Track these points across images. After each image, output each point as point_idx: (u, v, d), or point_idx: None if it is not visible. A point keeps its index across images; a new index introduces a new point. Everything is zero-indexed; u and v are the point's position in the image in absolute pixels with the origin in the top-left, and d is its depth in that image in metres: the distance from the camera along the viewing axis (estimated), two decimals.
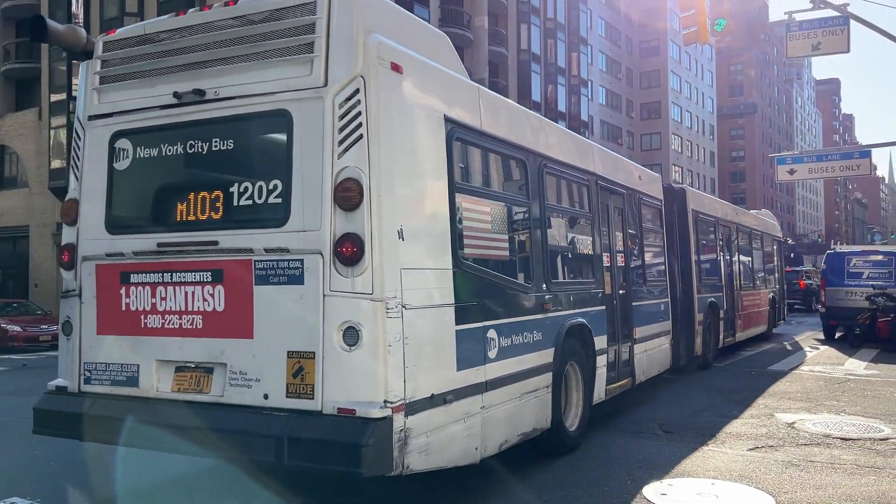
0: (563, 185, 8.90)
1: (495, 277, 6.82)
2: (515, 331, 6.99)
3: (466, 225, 6.38)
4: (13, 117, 39.75)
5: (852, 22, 19.88)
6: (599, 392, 9.08)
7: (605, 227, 9.90)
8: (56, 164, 36.31)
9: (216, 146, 5.82)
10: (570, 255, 8.99)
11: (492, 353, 6.53)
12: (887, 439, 8.82)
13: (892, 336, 19.01)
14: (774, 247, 23.46)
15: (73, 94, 35.72)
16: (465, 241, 6.33)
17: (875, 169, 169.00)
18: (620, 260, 10.45)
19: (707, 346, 15.24)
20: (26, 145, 38.50)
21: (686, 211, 14.65)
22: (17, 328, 25.27)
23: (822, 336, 22.67)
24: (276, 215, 5.44)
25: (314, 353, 5.24)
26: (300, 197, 5.36)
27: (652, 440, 8.84)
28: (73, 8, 35.20)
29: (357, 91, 5.29)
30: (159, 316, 5.90)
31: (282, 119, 5.50)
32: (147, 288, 5.97)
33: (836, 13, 19.96)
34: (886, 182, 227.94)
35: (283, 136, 5.51)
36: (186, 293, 5.79)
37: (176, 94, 5.93)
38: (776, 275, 23.51)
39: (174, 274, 5.85)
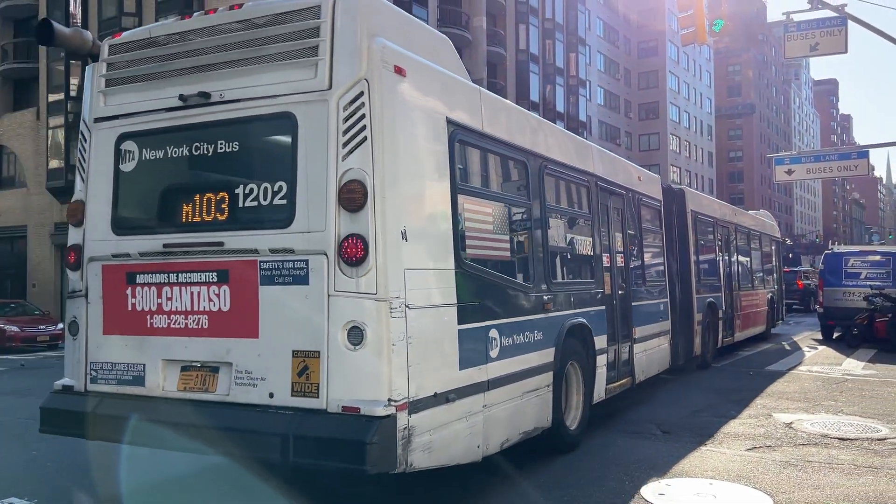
0: (563, 187, 8.97)
1: (497, 278, 6.90)
2: (517, 330, 7.06)
3: (468, 226, 6.45)
4: (11, 117, 39.70)
5: (850, 22, 19.95)
6: (599, 391, 9.15)
7: (604, 228, 9.97)
8: (54, 164, 36.28)
9: (221, 148, 5.89)
10: (570, 256, 9.06)
11: (493, 353, 6.60)
12: (885, 439, 8.86)
13: (889, 336, 19.06)
14: (773, 247, 23.52)
15: (71, 94, 35.76)
16: (467, 242, 6.40)
17: (873, 169, 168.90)
18: (620, 260, 10.52)
19: (706, 346, 15.31)
20: (24, 145, 38.46)
21: (685, 211, 14.73)
22: (15, 328, 25.33)
23: (819, 336, 22.74)
24: (281, 216, 5.51)
25: (319, 352, 5.31)
26: (305, 198, 5.43)
27: (650, 440, 8.88)
28: (71, 8, 35.16)
29: (361, 94, 5.37)
30: (165, 316, 5.97)
31: (286, 121, 5.57)
32: (153, 288, 6.03)
33: (833, 14, 20.04)
34: (884, 182, 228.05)
35: (287, 139, 5.57)
36: (192, 293, 5.86)
37: (181, 97, 5.99)
38: (774, 275, 23.58)
39: (180, 274, 5.92)
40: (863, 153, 24.13)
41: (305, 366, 5.35)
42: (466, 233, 6.40)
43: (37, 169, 37.55)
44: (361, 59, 5.41)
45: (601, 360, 9.19)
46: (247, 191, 5.73)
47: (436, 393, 5.69)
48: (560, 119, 53.39)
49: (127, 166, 6.35)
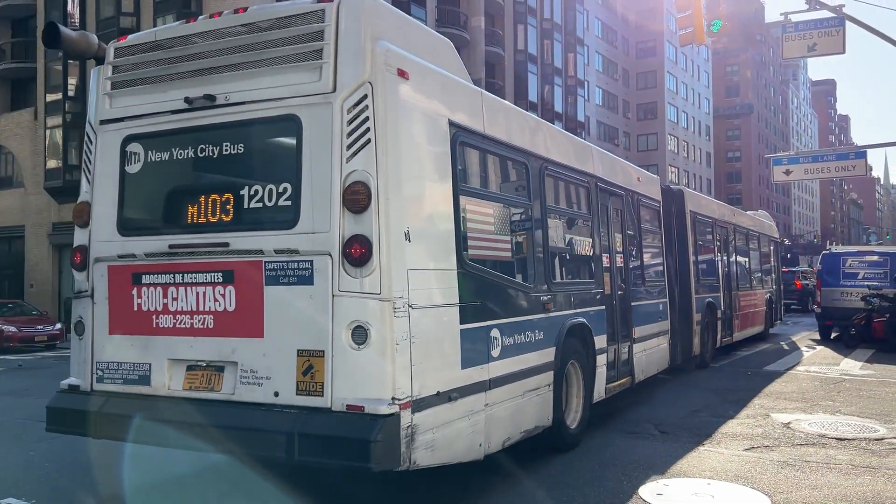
0: (563, 188, 9.04)
1: (498, 278, 6.97)
2: (518, 330, 7.13)
3: (470, 226, 6.52)
4: (9, 117, 39.67)
5: (848, 23, 20.01)
6: (599, 391, 9.22)
7: (604, 229, 10.04)
8: (52, 164, 36.30)
9: (227, 150, 5.95)
10: (570, 256, 9.13)
11: (495, 352, 6.67)
12: (882, 439, 8.88)
13: (887, 336, 19.11)
14: (771, 247, 23.59)
15: (69, 94, 35.79)
16: (469, 243, 6.47)
17: (870, 170, 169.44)
18: (620, 260, 10.59)
19: (705, 346, 15.39)
20: (22, 145, 38.45)
21: (684, 212, 14.80)
22: (13, 328, 25.40)
23: (817, 336, 22.78)
24: (286, 217, 5.58)
25: (323, 351, 5.37)
26: (309, 199, 5.49)
27: (648, 440, 8.91)
28: (69, 8, 35.35)
29: (365, 97, 5.44)
30: (171, 316, 6.03)
31: (291, 124, 5.63)
32: (159, 288, 6.10)
33: (831, 14, 20.10)
34: (882, 183, 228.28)
35: (292, 141, 5.64)
36: (198, 293, 5.92)
37: (187, 100, 6.05)
38: (773, 275, 23.64)
39: (185, 275, 5.98)
40: (860, 153, 24.23)
41: (310, 365, 5.41)
42: (468, 233, 6.47)
43: (34, 169, 37.56)
44: (365, 63, 5.48)
45: (601, 360, 9.26)
46: (252, 192, 5.80)
47: (438, 392, 5.75)
48: (558, 119, 53.42)
49: (132, 168, 6.41)
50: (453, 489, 6.90)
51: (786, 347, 20.39)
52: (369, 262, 5.29)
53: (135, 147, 6.39)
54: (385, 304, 5.31)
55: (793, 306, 36.01)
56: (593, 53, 74.59)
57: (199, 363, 5.94)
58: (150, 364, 6.12)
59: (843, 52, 20.14)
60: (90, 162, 6.66)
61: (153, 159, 6.33)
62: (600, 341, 9.24)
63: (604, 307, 9.54)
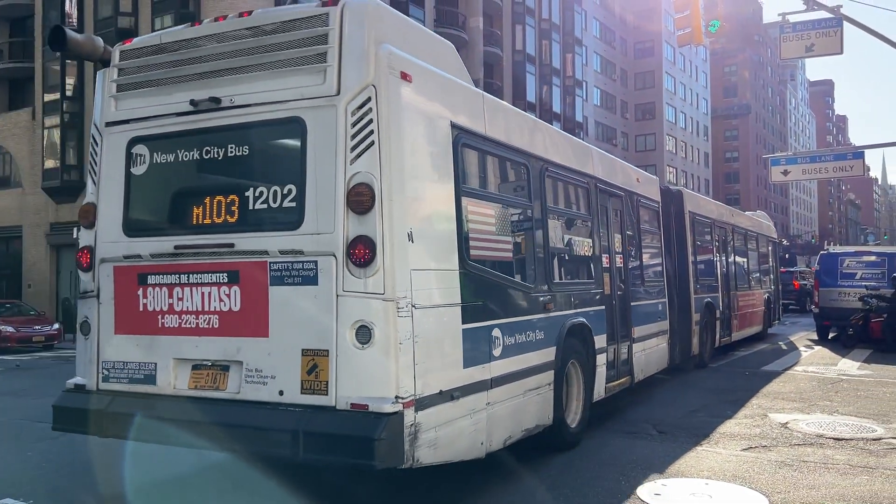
0: (563, 189, 9.11)
1: (499, 278, 7.03)
2: (519, 330, 7.20)
3: (472, 227, 6.58)
4: (6, 117, 39.66)
5: (845, 23, 20.03)
6: (599, 390, 9.28)
7: (604, 229, 10.11)
8: (49, 164, 36.30)
9: (232, 152, 6.02)
10: (570, 257, 9.19)
11: (496, 352, 6.73)
12: (880, 439, 8.90)
13: (884, 336, 19.14)
14: (769, 248, 23.66)
15: (67, 94, 35.78)
16: (471, 243, 6.53)
17: (868, 170, 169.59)
18: (619, 261, 10.66)
19: (703, 346, 15.44)
20: (20, 145, 38.44)
21: (683, 213, 14.87)
22: (10, 329, 25.41)
23: (815, 336, 22.81)
24: (291, 218, 5.65)
25: (328, 350, 5.44)
26: (314, 201, 5.56)
27: (646, 440, 8.93)
28: (67, 7, 35.33)
29: (369, 99, 5.50)
30: (176, 316, 6.09)
31: (296, 126, 5.70)
32: (164, 289, 6.16)
33: (829, 15, 20.10)
34: (879, 183, 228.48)
35: (296, 143, 5.71)
36: (203, 294, 5.98)
37: (192, 102, 6.12)
38: (771, 275, 23.71)
39: (191, 275, 6.04)
40: (858, 154, 24.26)
41: (315, 364, 5.48)
42: (470, 234, 6.53)
43: (32, 169, 37.55)
44: (369, 66, 5.54)
45: (601, 360, 9.33)
46: (257, 193, 5.86)
47: (441, 391, 5.82)
48: (556, 120, 53.48)
49: (138, 169, 6.47)
50: (453, 488, 6.94)
51: (784, 347, 20.45)
52: (373, 262, 5.36)
53: (140, 149, 6.46)
54: (388, 304, 5.38)
55: (791, 306, 36.07)
56: (591, 54, 74.65)
57: (204, 362, 6.00)
58: (155, 363, 6.18)
59: (841, 52, 20.16)
60: (96, 164, 6.72)
61: (158, 161, 6.39)
62: (600, 341, 9.31)
63: (603, 307, 9.61)
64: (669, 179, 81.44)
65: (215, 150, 6.08)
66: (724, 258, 17.67)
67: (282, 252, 5.65)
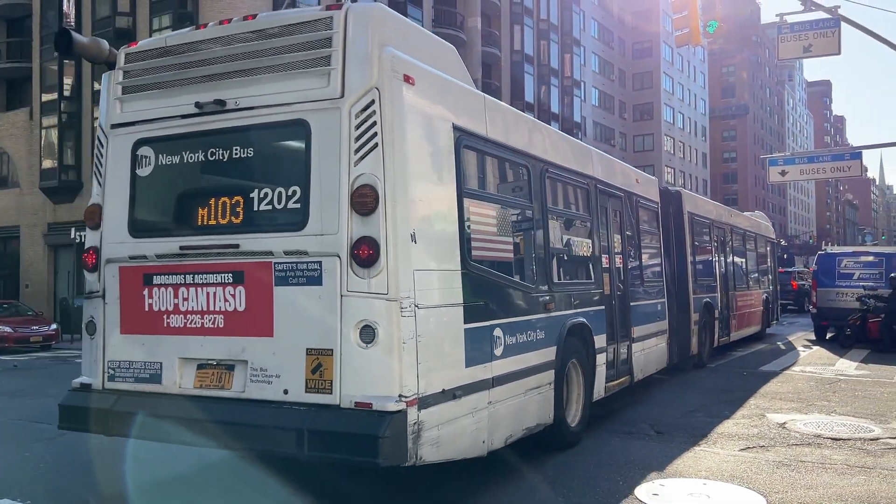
0: (564, 190, 9.18)
1: (500, 278, 7.10)
2: (520, 330, 7.26)
3: (474, 228, 6.65)
4: (4, 117, 39.62)
5: (843, 24, 20.06)
6: (599, 389, 9.35)
7: (604, 230, 10.18)
8: (47, 164, 36.31)
9: (236, 154, 6.09)
10: (570, 257, 9.26)
11: (498, 351, 6.80)
12: (877, 439, 8.91)
13: (882, 337, 19.18)
14: (768, 248, 23.73)
15: (65, 94, 35.75)
16: (473, 244, 6.60)
17: (866, 170, 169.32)
18: (619, 261, 10.73)
19: (702, 346, 15.51)
20: (17, 145, 38.40)
21: (682, 213, 14.94)
22: (8, 329, 25.44)
23: (813, 337, 22.84)
24: (296, 219, 5.71)
25: (332, 350, 5.51)
26: (318, 202, 5.63)
27: (644, 440, 8.95)
28: (65, 7, 35.33)
29: (372, 102, 5.57)
30: (182, 316, 6.15)
31: (300, 128, 5.76)
32: (169, 289, 6.22)
33: (826, 15, 20.13)
34: (877, 183, 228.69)
35: (301, 145, 5.77)
36: (208, 294, 6.04)
37: (198, 104, 6.18)
38: (770, 276, 23.78)
39: (196, 275, 6.10)
40: (856, 154, 24.27)
41: (319, 363, 5.54)
42: (472, 235, 6.59)
43: (30, 169, 37.53)
44: (372, 69, 5.61)
45: (601, 359, 9.39)
46: (261, 195, 5.92)
47: (443, 389, 5.88)
48: (554, 120, 53.52)
49: (143, 171, 6.53)
50: (454, 487, 6.98)
51: (782, 347, 20.50)
52: (377, 263, 5.43)
53: (145, 150, 6.52)
54: (392, 303, 5.45)
55: (789, 306, 36.14)
56: (590, 54, 74.68)
57: (209, 362, 6.06)
58: (160, 363, 6.25)
59: (839, 53, 20.18)
60: (101, 165, 6.78)
61: (164, 162, 6.45)
62: (600, 341, 9.38)
63: (603, 307, 9.67)
64: (667, 180, 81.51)
65: (220, 151, 6.15)
66: (722, 258, 17.73)
67: (286, 253, 5.71)
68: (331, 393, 5.48)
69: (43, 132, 36.64)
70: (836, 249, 25.10)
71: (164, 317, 6.23)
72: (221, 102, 6.09)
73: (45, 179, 36.20)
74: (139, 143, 6.55)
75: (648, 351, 11.73)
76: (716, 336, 16.65)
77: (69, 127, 35.74)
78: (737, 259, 19.34)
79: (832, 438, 8.97)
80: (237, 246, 5.92)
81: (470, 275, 6.40)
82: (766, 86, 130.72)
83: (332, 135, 5.61)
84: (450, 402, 5.96)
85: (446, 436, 5.91)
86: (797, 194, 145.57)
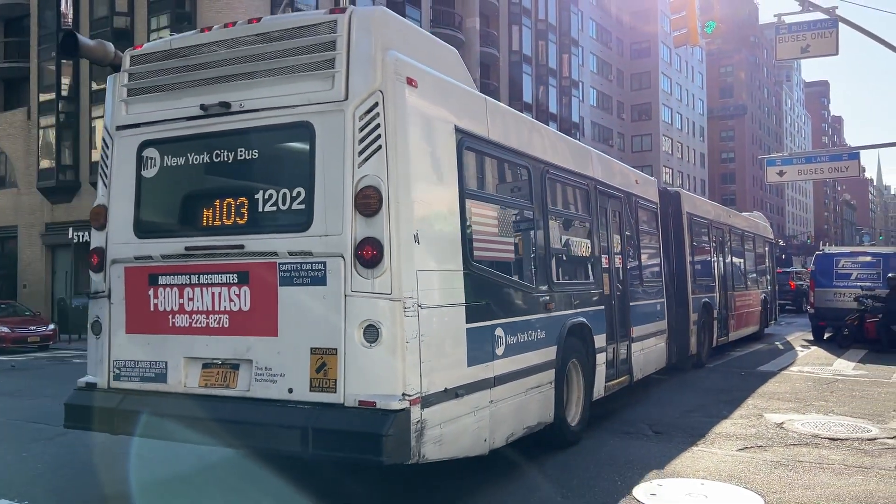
0: (564, 190, 9.25)
1: (502, 278, 7.17)
2: (521, 329, 7.33)
3: (475, 229, 6.72)
4: (2, 117, 39.57)
5: (841, 24, 20.12)
6: (599, 389, 9.42)
7: (603, 230, 10.25)
8: (45, 163, 36.30)
9: (241, 155, 6.15)
10: (570, 257, 9.33)
11: (499, 351, 6.87)
12: (875, 439, 8.94)
13: (879, 337, 19.24)
14: (766, 248, 23.80)
15: (63, 94, 35.73)
16: (474, 244, 6.67)
17: (863, 171, 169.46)
18: (618, 261, 10.79)
19: (701, 346, 15.57)
20: (15, 145, 38.37)
21: (681, 213, 15.01)
22: (6, 329, 25.44)
23: (811, 337, 22.88)
24: (300, 220, 5.78)
25: (336, 349, 5.57)
26: (322, 203, 5.69)
27: (642, 440, 8.98)
28: (63, 7, 35.32)
29: (376, 104, 5.64)
30: (187, 315, 6.21)
31: (304, 130, 5.83)
32: (175, 289, 6.28)
33: (824, 16, 20.18)
34: (875, 184, 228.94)
35: (305, 147, 5.84)
36: (213, 294, 6.10)
37: (203, 107, 6.24)
38: (768, 276, 23.84)
39: (201, 276, 6.17)
40: (853, 154, 24.34)
41: (323, 362, 5.61)
42: (473, 236, 6.66)
43: (27, 169, 37.51)
44: (376, 72, 5.68)
45: (601, 359, 9.46)
46: (266, 196, 5.99)
47: (446, 388, 5.95)
48: (553, 120, 53.57)
49: (149, 172, 6.59)
50: (454, 486, 7.02)
51: (780, 347, 20.55)
52: (380, 263, 5.50)
53: (151, 152, 6.58)
54: (395, 303, 5.51)
55: (787, 307, 36.20)
56: (588, 54, 74.77)
57: (214, 361, 6.12)
58: (166, 362, 6.31)
59: (837, 53, 20.24)
60: (107, 166, 6.84)
61: (169, 164, 6.51)
62: (600, 340, 9.44)
63: (603, 307, 9.74)
64: (666, 180, 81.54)
65: (225, 153, 6.21)
66: (721, 258, 17.80)
67: (291, 253, 5.77)
68: (335, 392, 5.54)
69: (40, 132, 36.62)
70: (834, 250, 25.11)
71: (170, 317, 6.29)
72: (226, 105, 6.15)
73: (42, 179, 36.21)
74: (144, 145, 6.61)
75: (647, 351, 11.80)
76: (714, 336, 16.71)
77: (67, 127, 35.73)
78: (735, 259, 19.41)
79: (830, 438, 8.99)
80: (242, 246, 5.98)
81: (472, 275, 6.47)
82: (764, 86, 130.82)
83: (336, 137, 5.68)
84: (452, 401, 6.03)
85: (449, 434, 5.97)
86: (795, 194, 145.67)
